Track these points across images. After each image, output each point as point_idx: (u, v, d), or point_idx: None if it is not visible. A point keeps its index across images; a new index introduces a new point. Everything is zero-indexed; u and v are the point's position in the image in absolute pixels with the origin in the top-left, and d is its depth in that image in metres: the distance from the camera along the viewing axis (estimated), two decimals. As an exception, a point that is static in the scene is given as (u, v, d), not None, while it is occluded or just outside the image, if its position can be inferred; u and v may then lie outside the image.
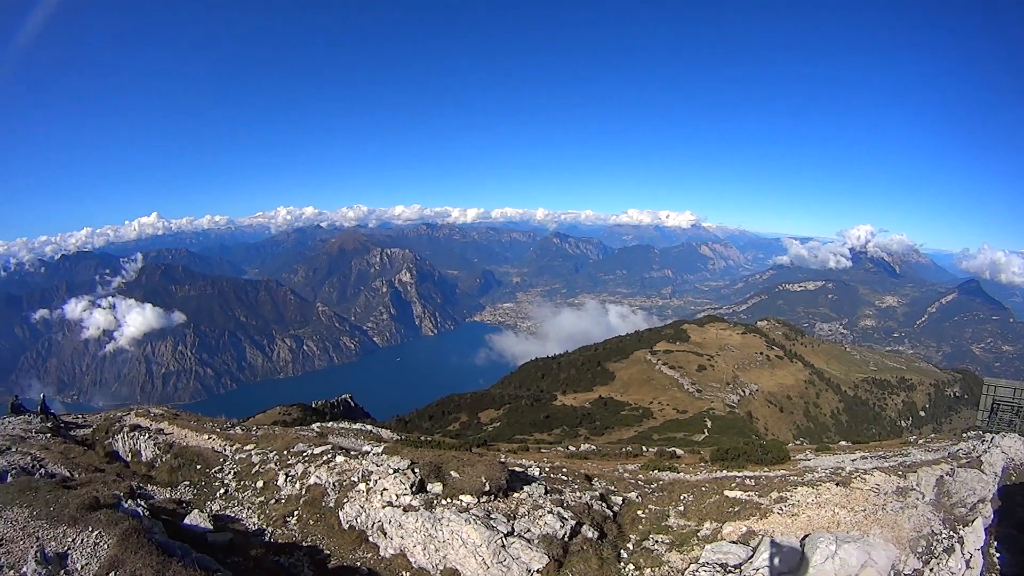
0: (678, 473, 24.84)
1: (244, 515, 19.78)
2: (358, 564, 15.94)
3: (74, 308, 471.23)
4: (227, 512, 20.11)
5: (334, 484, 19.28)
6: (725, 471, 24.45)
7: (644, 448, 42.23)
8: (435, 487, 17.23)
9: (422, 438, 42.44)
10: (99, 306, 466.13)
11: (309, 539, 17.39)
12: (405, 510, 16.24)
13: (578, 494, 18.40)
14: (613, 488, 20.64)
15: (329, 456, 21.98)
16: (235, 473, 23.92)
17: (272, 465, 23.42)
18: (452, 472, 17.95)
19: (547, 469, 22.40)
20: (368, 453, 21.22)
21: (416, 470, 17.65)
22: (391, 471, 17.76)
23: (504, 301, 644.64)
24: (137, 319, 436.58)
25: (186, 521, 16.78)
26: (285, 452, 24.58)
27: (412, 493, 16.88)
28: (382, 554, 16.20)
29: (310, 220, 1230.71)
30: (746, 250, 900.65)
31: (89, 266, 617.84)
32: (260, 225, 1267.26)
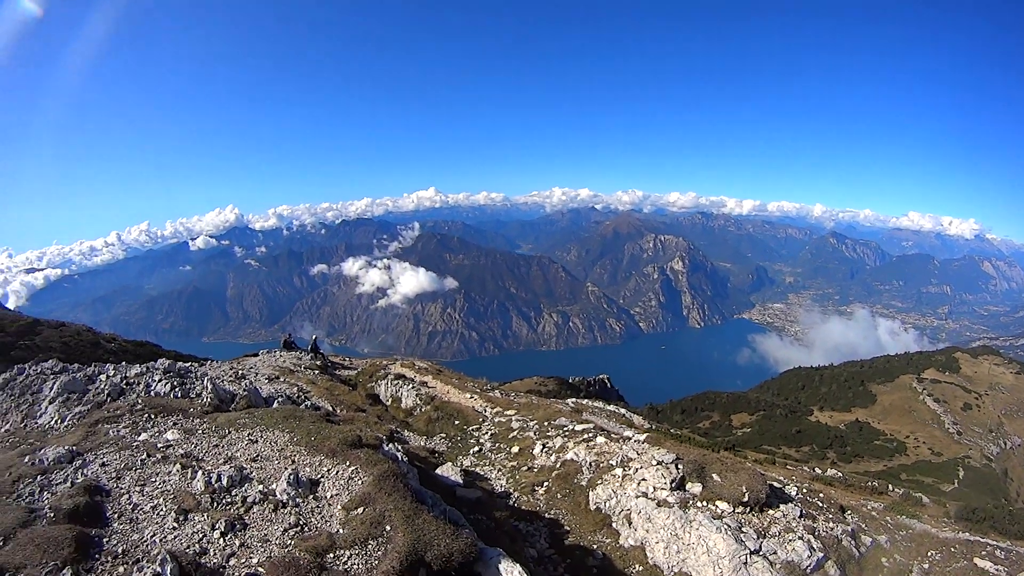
0: (922, 523, 21.75)
1: (493, 476, 20.14)
2: (594, 547, 15.64)
3: (351, 266, 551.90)
4: (477, 470, 20.61)
5: (590, 464, 18.92)
6: (969, 533, 21.26)
7: (890, 487, 36.30)
8: (694, 487, 16.36)
9: (672, 430, 40.63)
10: (375, 266, 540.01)
11: (552, 512, 17.42)
12: (659, 504, 15.53)
13: (831, 525, 16.98)
14: (865, 526, 18.66)
15: (590, 435, 21.74)
16: (492, 435, 24.68)
17: (531, 433, 23.80)
18: (714, 475, 16.84)
19: (804, 491, 20.06)
20: (630, 439, 20.64)
21: (679, 466, 16.79)
22: (654, 462, 17.08)
23: (774, 301, 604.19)
24: (410, 281, 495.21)
25: (438, 471, 17.16)
26: (545, 423, 24.84)
27: (670, 489, 16.09)
28: (621, 542, 15.63)
29: (584, 202, 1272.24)
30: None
31: (368, 231, 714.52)
32: (535, 204, 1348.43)
